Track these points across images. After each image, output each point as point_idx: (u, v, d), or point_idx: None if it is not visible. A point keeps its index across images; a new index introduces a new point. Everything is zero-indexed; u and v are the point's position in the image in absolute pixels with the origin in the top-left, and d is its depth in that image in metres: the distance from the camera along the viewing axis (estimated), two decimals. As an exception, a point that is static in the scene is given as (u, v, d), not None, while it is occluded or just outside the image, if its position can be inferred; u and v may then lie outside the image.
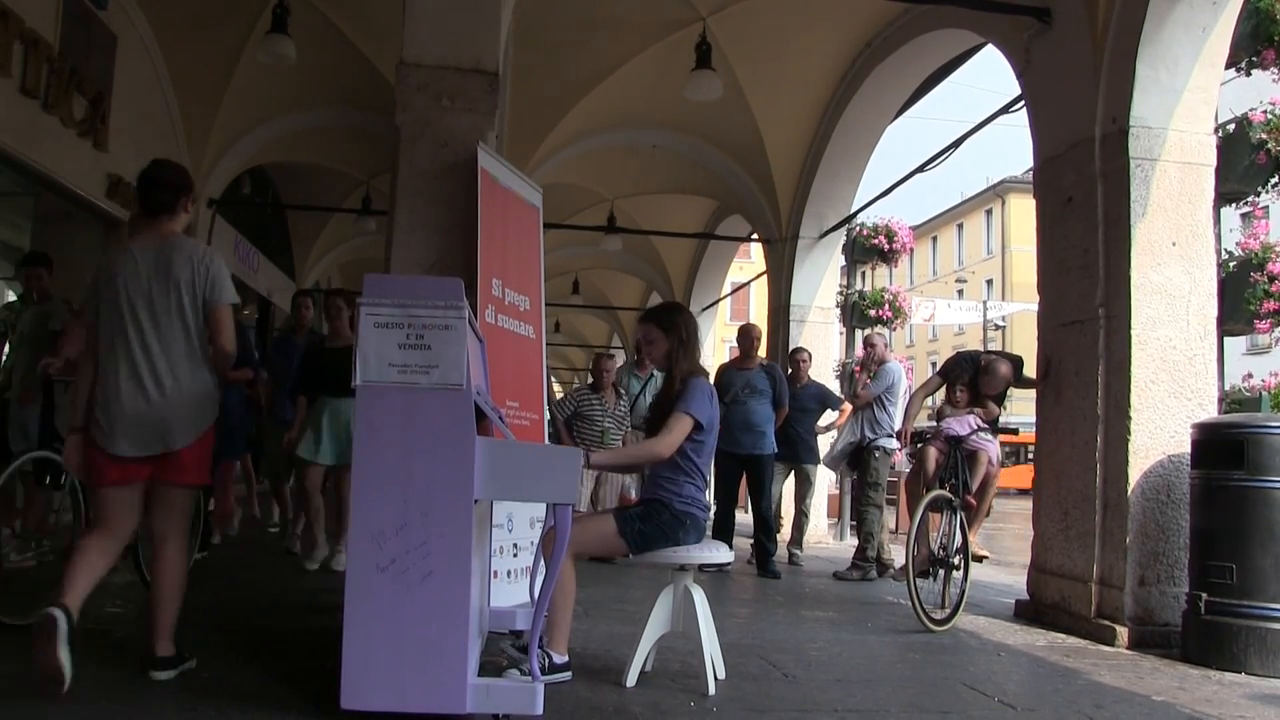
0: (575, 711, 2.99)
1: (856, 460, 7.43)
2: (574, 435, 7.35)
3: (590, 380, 7.98)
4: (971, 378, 6.06)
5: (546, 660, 3.14)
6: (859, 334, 11.05)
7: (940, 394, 6.56)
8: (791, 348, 8.64)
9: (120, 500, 3.16)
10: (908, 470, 7.03)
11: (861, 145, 9.38)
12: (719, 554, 3.53)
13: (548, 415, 5.71)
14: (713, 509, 6.99)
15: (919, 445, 6.03)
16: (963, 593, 5.08)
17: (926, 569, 5.25)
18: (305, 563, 5.72)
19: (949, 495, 5.25)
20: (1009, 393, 6.46)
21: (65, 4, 6.97)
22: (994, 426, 5.94)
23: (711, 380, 7.24)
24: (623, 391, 7.91)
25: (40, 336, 5.29)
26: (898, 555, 7.62)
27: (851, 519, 9.77)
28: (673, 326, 3.52)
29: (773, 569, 6.94)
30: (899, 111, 9.20)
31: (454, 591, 2.70)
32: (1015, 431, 6.25)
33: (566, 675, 3.23)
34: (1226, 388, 6.11)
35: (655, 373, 7.58)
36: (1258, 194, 6.13)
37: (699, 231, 13.62)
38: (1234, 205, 6.48)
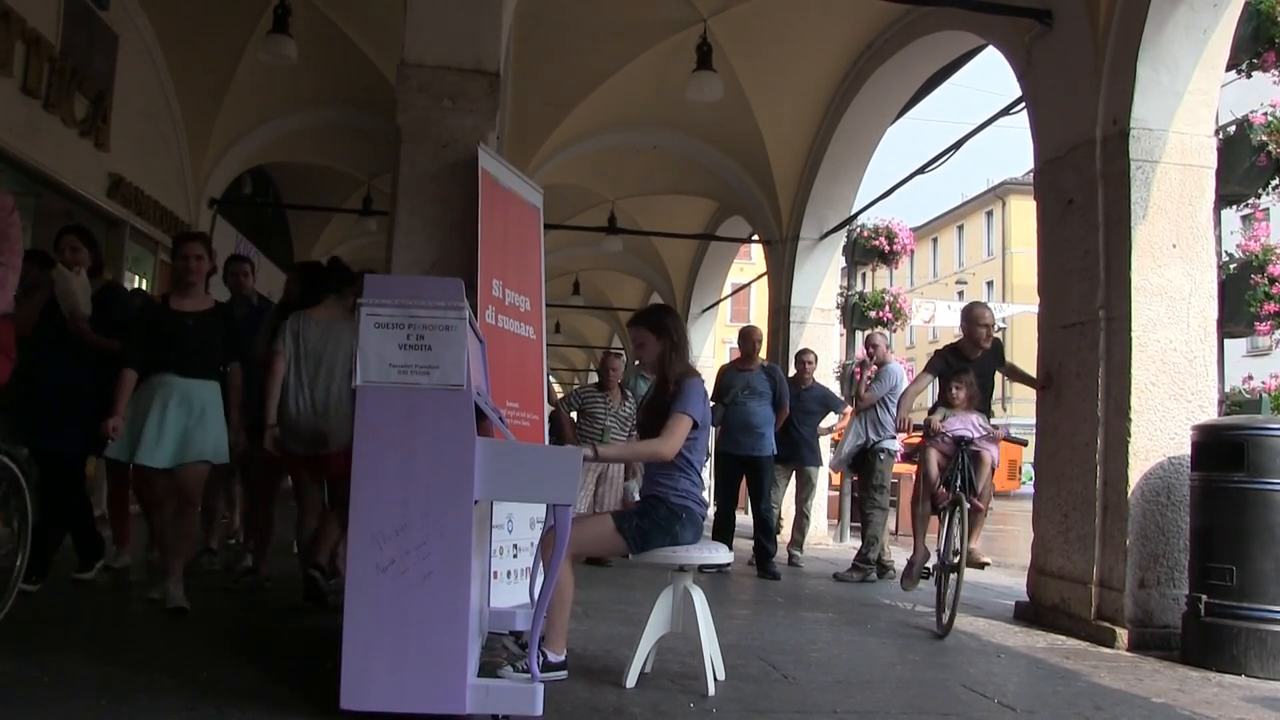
0: (575, 712, 2.99)
1: (859, 462, 7.43)
2: (577, 432, 7.34)
3: (596, 379, 7.97)
4: (973, 365, 5.71)
5: (542, 659, 3.15)
6: (859, 335, 11.05)
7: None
8: (796, 349, 8.63)
9: (300, 481, 4.90)
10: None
11: (862, 146, 9.39)
12: (719, 555, 3.53)
13: (548, 413, 5.67)
14: (713, 509, 7.01)
15: (918, 440, 5.84)
16: (958, 596, 4.93)
17: (927, 573, 5.25)
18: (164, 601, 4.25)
19: (961, 499, 5.08)
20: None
21: (67, 3, 6.97)
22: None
23: (711, 380, 7.26)
24: (629, 392, 7.89)
25: None
26: (898, 557, 7.62)
27: (853, 520, 9.77)
28: (664, 330, 3.56)
29: (772, 570, 6.95)
30: (900, 113, 9.20)
31: (454, 592, 2.70)
32: (1024, 443, 5.79)
33: (562, 674, 3.25)
34: (1227, 389, 6.10)
35: None
36: (1258, 196, 6.13)
37: (699, 232, 13.63)
38: (1234, 207, 6.48)
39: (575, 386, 8.32)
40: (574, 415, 7.57)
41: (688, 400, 3.42)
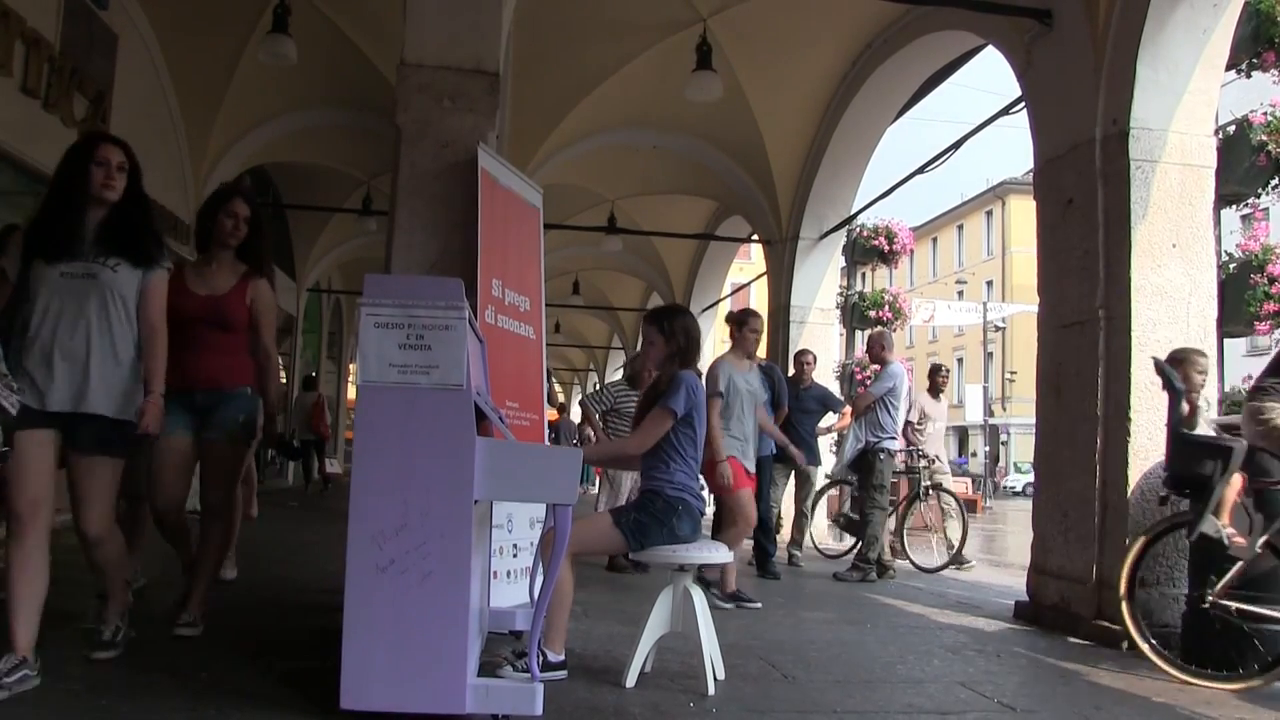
0: (574, 712, 2.99)
1: (859, 462, 7.43)
2: (608, 431, 7.12)
3: (628, 375, 7.56)
4: None
5: (542, 658, 3.17)
6: (859, 335, 11.06)
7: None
8: (795, 349, 8.65)
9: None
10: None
11: (862, 146, 9.40)
12: (718, 555, 3.54)
13: (548, 414, 5.64)
14: (711, 509, 6.99)
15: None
16: None
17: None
18: None
19: None
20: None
21: (66, 3, 6.98)
22: None
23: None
24: None
25: None
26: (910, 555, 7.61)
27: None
28: (673, 334, 3.61)
29: (772, 570, 6.95)
30: (899, 112, 9.21)
31: (453, 592, 2.69)
32: None
33: (562, 674, 3.27)
34: (1226, 389, 6.11)
35: None
36: (1258, 196, 6.14)
37: (699, 232, 13.64)
38: (1234, 207, 6.49)
39: (598, 386, 7.63)
40: (605, 413, 7.22)
41: (670, 395, 3.48)
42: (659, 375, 3.62)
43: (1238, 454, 3.95)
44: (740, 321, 5.93)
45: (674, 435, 3.50)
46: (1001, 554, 9.78)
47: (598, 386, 7.95)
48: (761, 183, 10.17)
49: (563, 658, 3.30)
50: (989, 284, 39.45)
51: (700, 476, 3.69)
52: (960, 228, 44.02)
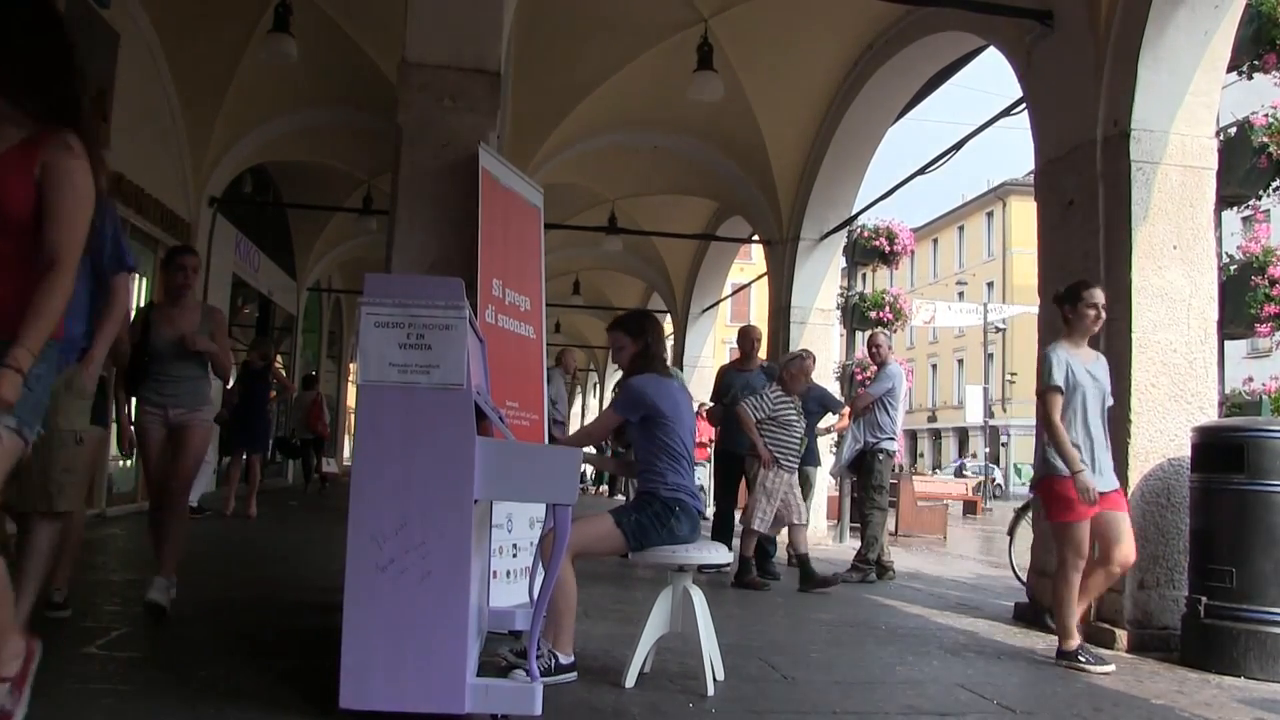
0: (574, 712, 2.99)
1: (858, 463, 7.42)
2: (765, 439, 6.52)
3: (781, 381, 6.73)
4: None
5: (553, 660, 3.21)
6: (859, 336, 11.05)
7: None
8: (794, 349, 8.64)
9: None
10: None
11: (863, 147, 9.40)
12: (717, 555, 3.54)
13: (551, 417, 5.59)
14: (712, 509, 6.98)
15: None
16: None
17: None
18: None
19: None
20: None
21: (67, 2, 6.97)
22: None
23: (712, 382, 7.16)
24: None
25: None
26: (898, 557, 7.62)
27: (852, 521, 9.77)
28: (639, 333, 3.72)
29: (772, 570, 6.94)
30: (900, 113, 9.21)
31: (453, 591, 2.69)
32: None
33: (572, 675, 3.27)
34: (1226, 391, 6.10)
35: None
36: (1259, 198, 6.14)
37: (700, 232, 13.64)
38: (1235, 209, 6.49)
39: (768, 388, 6.49)
40: (761, 421, 6.54)
41: (619, 399, 3.67)
42: (626, 374, 3.73)
43: None
44: (1074, 297, 4.41)
45: (659, 437, 3.54)
46: (1000, 555, 9.77)
47: (762, 392, 6.68)
48: (762, 183, 10.16)
49: (572, 659, 3.30)
50: (989, 285, 39.45)
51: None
52: (961, 229, 44.02)
